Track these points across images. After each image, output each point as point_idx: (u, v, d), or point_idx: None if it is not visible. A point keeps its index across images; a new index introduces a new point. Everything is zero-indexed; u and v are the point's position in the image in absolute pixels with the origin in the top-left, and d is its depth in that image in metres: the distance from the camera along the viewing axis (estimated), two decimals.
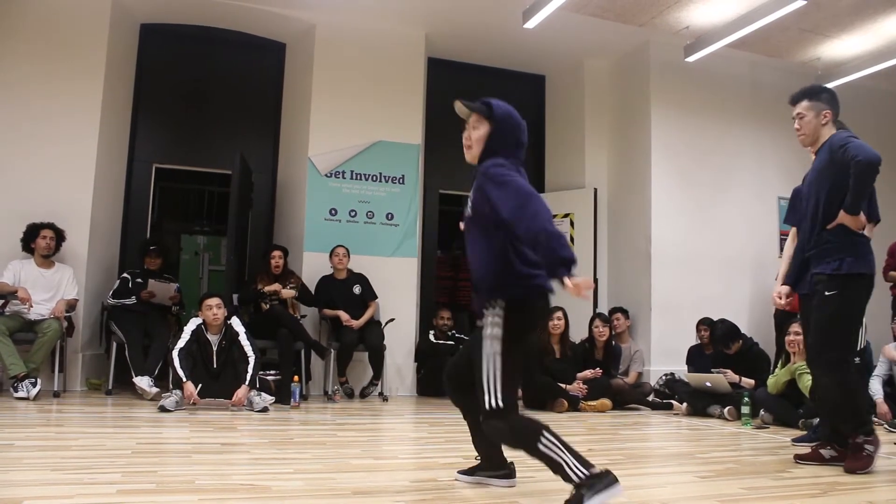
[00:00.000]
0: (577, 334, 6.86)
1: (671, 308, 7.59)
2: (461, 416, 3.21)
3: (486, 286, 2.86)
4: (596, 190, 8.32)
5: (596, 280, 8.12)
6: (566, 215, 8.39)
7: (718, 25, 7.01)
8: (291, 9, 7.38)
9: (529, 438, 2.64)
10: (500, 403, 2.68)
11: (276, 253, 6.73)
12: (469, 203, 3.00)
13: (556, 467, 2.59)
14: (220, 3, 7.25)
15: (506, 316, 2.76)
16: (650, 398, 6.81)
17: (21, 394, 5.56)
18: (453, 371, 3.22)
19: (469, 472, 3.23)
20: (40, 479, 3.02)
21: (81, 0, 6.78)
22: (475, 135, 2.98)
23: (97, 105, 6.72)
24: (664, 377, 7.00)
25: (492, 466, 3.19)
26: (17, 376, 5.60)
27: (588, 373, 6.47)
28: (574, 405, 6.23)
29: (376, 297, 6.97)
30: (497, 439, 2.89)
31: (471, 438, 3.22)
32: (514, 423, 2.73)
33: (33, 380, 5.65)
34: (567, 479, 2.56)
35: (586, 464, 2.56)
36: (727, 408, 5.86)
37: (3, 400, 5.57)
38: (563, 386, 6.30)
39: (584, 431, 5.14)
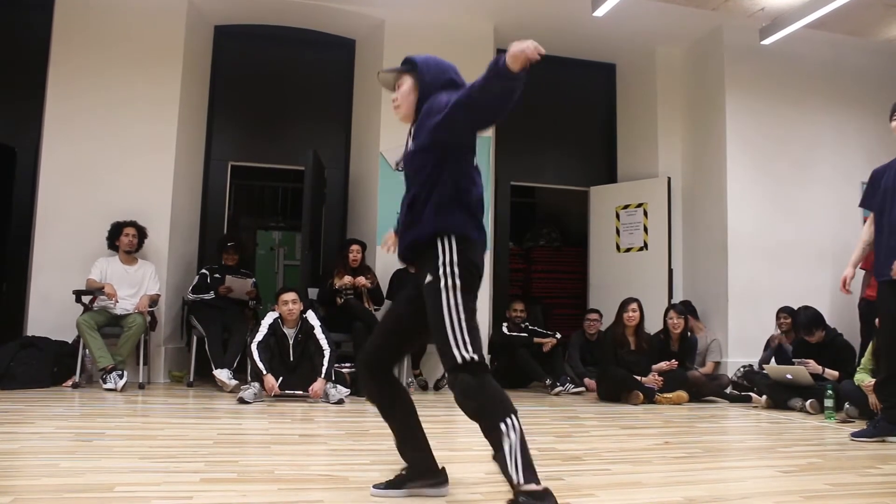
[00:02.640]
0: (652, 326, 6.76)
1: (749, 298, 7.41)
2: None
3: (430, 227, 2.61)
4: (670, 179, 8.16)
5: (671, 270, 7.98)
6: (639, 205, 8.26)
7: (795, 5, 6.80)
8: (361, 5, 7.46)
9: (498, 409, 2.43)
10: (475, 356, 2.45)
11: (355, 247, 6.81)
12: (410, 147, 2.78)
13: (501, 454, 2.37)
14: (291, 2, 7.37)
15: (460, 260, 2.56)
16: (728, 390, 6.66)
17: (109, 385, 5.81)
18: (373, 355, 2.85)
19: (393, 484, 2.80)
20: (129, 467, 3.15)
21: (158, 6, 7.00)
22: (401, 91, 2.82)
23: (175, 107, 6.94)
24: (742, 369, 6.84)
25: (422, 474, 2.81)
26: (106, 368, 5.85)
27: (663, 364, 6.36)
28: (649, 397, 6.14)
29: None
30: (464, 398, 2.46)
31: (396, 443, 2.85)
32: (488, 384, 2.46)
33: (120, 372, 5.89)
34: (505, 472, 2.37)
35: (531, 474, 2.35)
36: (809, 401, 5.69)
37: (93, 391, 5.82)
38: (638, 378, 6.21)
39: (660, 424, 5.07)
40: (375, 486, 2.79)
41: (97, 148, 6.73)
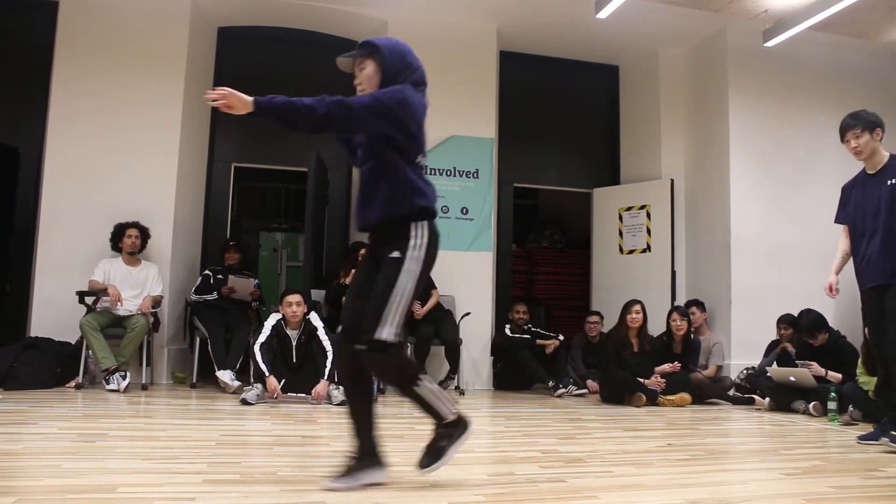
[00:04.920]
0: (655, 328, 6.75)
1: (752, 300, 7.39)
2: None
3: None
4: (673, 181, 8.16)
5: (674, 272, 7.98)
6: (642, 207, 8.26)
7: (799, 7, 6.79)
8: (363, 7, 7.46)
9: (409, 380, 2.82)
10: (394, 339, 2.74)
11: (363, 250, 6.81)
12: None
13: (428, 408, 2.84)
14: (294, 4, 7.38)
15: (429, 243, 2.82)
16: (731, 393, 6.66)
17: (112, 386, 5.81)
18: (353, 323, 2.88)
19: (346, 474, 2.88)
20: (132, 468, 3.15)
21: (162, 8, 7.02)
22: (365, 74, 2.94)
23: (178, 108, 6.95)
24: (745, 371, 6.83)
25: (370, 459, 2.93)
26: (109, 369, 5.85)
27: (666, 366, 6.35)
28: (652, 399, 6.13)
29: (436, 287, 6.99)
30: (376, 372, 2.94)
31: (355, 428, 2.96)
32: (399, 361, 2.87)
33: (123, 373, 5.89)
34: (439, 417, 2.86)
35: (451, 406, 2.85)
36: (812, 403, 5.67)
37: (96, 392, 5.83)
38: (641, 380, 6.21)
39: (663, 426, 5.06)
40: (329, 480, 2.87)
41: (101, 149, 6.74)
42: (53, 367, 6.01)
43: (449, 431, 2.88)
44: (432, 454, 2.88)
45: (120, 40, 6.92)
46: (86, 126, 6.75)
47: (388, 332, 2.72)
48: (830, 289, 4.58)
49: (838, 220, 4.82)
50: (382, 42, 2.94)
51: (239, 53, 7.85)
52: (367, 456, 2.92)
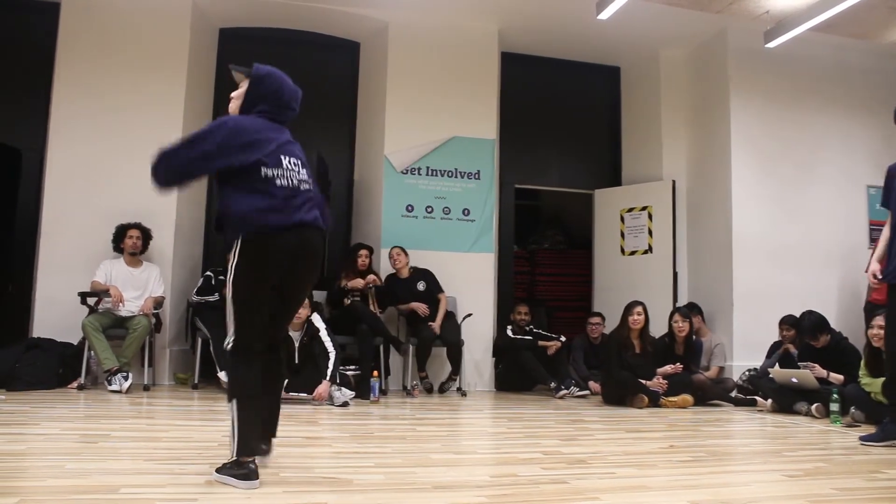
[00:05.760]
0: (657, 330, 6.75)
1: (754, 302, 7.39)
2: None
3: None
4: (674, 182, 8.16)
5: (676, 273, 7.98)
6: (644, 208, 8.26)
7: (800, 8, 6.78)
8: (365, 8, 7.47)
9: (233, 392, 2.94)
10: (232, 346, 2.95)
11: (363, 251, 6.86)
12: None
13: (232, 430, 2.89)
14: (295, 4, 7.39)
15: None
16: (733, 394, 6.65)
17: (114, 387, 5.81)
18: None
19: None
20: (135, 469, 3.16)
21: (163, 10, 7.02)
22: (237, 92, 3.16)
23: (180, 109, 6.94)
24: (747, 372, 6.82)
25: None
26: (111, 370, 5.86)
27: (668, 368, 6.35)
28: (654, 401, 6.12)
29: (443, 290, 7.00)
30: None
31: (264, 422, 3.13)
32: (237, 370, 3.01)
33: (125, 374, 5.89)
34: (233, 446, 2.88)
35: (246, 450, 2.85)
36: (815, 405, 5.67)
37: (98, 392, 5.82)
38: (643, 381, 6.20)
39: (664, 427, 5.06)
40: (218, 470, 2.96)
41: (102, 150, 6.74)
42: (56, 368, 6.00)
43: (230, 466, 2.88)
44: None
45: (121, 41, 6.92)
46: (87, 127, 6.75)
47: (228, 340, 2.96)
48: (874, 276, 4.42)
49: (883, 203, 4.61)
50: (263, 70, 3.20)
51: (240, 54, 7.82)
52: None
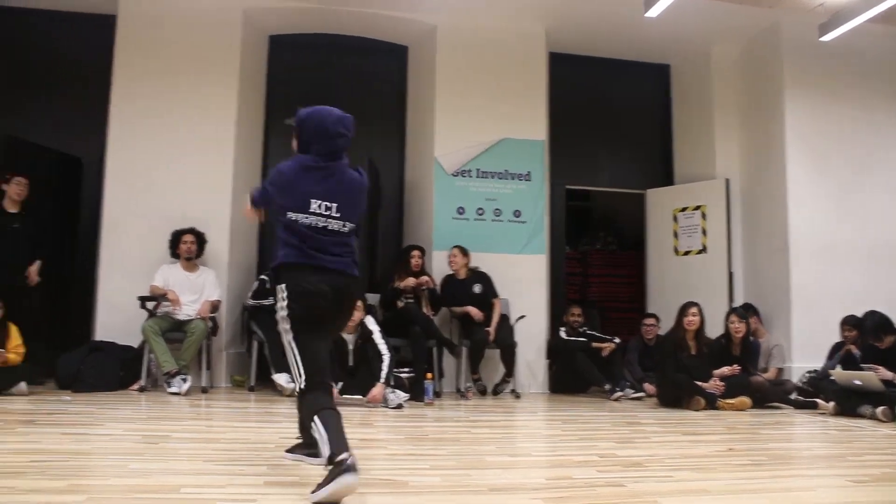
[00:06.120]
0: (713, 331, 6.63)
1: (813, 302, 7.21)
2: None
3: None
4: (728, 181, 8.02)
5: (731, 273, 7.84)
6: (697, 207, 8.14)
7: None
8: (413, 12, 7.51)
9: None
10: (303, 385, 3.16)
11: (416, 252, 6.89)
12: None
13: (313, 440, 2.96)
14: (344, 11, 7.45)
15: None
16: (793, 396, 6.50)
17: (173, 389, 5.93)
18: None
19: (291, 449, 3.42)
20: (195, 469, 3.23)
21: (215, 18, 7.15)
22: (294, 144, 3.46)
23: (232, 116, 7.07)
24: (808, 374, 6.67)
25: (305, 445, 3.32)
26: (170, 373, 5.98)
27: (725, 369, 6.23)
28: (711, 403, 6.01)
29: (498, 296, 6.98)
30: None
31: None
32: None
33: (184, 376, 6.01)
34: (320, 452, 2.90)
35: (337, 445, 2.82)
36: (880, 408, 5.49)
37: (158, 395, 5.95)
38: (699, 383, 6.11)
39: (723, 430, 4.97)
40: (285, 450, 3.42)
41: (158, 157, 6.89)
42: (117, 370, 6.16)
43: (327, 478, 2.77)
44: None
45: (174, 51, 7.07)
46: (143, 135, 6.91)
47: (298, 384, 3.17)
48: None
49: None
50: (302, 114, 3.43)
51: (290, 60, 7.95)
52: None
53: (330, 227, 3.16)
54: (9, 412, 4.83)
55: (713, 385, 6.13)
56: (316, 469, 3.15)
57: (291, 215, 3.15)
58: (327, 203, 3.17)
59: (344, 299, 3.20)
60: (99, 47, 7.16)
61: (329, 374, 3.27)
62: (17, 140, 6.88)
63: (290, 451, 3.39)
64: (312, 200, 3.16)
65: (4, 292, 5.76)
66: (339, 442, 2.83)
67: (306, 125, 3.34)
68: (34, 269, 6.24)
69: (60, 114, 7.43)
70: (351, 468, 2.68)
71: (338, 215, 3.18)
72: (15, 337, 5.72)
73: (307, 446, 3.22)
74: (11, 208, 6.27)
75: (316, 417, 2.94)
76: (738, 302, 7.59)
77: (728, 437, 4.68)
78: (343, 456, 2.71)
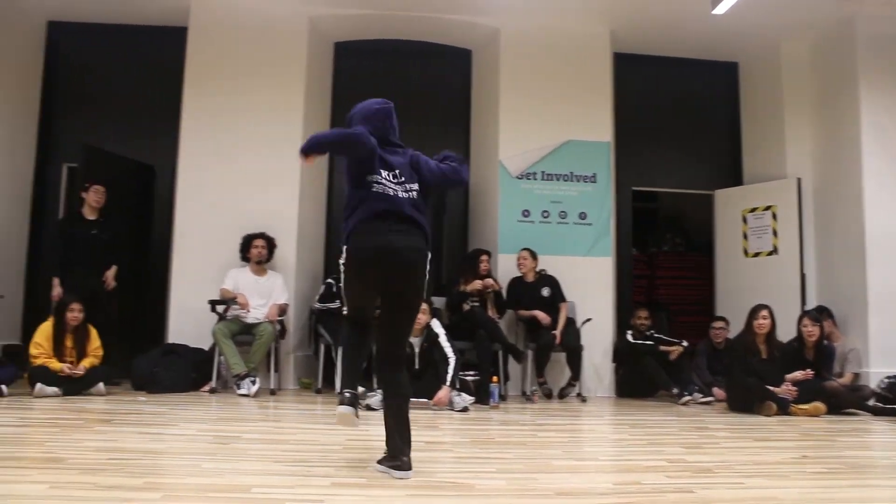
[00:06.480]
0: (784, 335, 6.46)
1: (892, 304, 6.95)
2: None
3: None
4: (799, 180, 7.80)
5: (803, 275, 7.63)
6: (767, 208, 7.94)
7: None
8: (476, 15, 7.52)
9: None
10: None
11: (484, 257, 6.91)
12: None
13: None
14: (407, 16, 7.52)
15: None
16: (871, 403, 6.28)
17: (243, 391, 6.07)
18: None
19: (380, 461, 3.34)
20: (264, 470, 3.30)
21: (281, 26, 7.30)
22: None
23: (299, 122, 7.19)
24: (887, 380, 6.43)
25: (389, 457, 3.30)
26: (239, 375, 6.12)
27: (798, 374, 6.06)
28: (783, 409, 5.86)
29: (566, 300, 6.93)
30: None
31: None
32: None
33: (253, 378, 6.15)
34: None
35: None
36: None
37: (228, 396, 6.10)
38: (770, 388, 5.96)
39: (796, 437, 4.83)
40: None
41: (227, 163, 7.06)
42: (190, 372, 6.35)
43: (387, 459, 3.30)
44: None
45: (243, 60, 7.25)
46: (213, 142, 7.10)
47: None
48: None
49: None
50: (348, 115, 3.57)
51: (355, 66, 8.05)
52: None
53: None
54: (88, 411, 5.03)
55: (785, 390, 5.97)
56: (382, 472, 3.20)
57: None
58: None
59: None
60: (171, 58, 7.40)
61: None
62: (95, 150, 7.16)
63: (379, 462, 3.36)
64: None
65: (84, 297, 6.00)
66: (347, 381, 3.33)
67: (355, 117, 3.48)
68: (111, 274, 6.50)
69: (135, 123, 7.72)
70: (344, 401, 3.21)
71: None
72: (94, 339, 5.97)
73: (391, 458, 3.25)
74: (90, 215, 6.53)
75: (341, 351, 3.34)
76: (811, 305, 7.37)
77: (802, 444, 4.56)
78: (343, 394, 3.24)
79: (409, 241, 3.25)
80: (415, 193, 3.35)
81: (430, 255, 3.33)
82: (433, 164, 3.47)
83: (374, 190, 3.28)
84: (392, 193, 3.28)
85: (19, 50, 7.47)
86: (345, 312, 3.47)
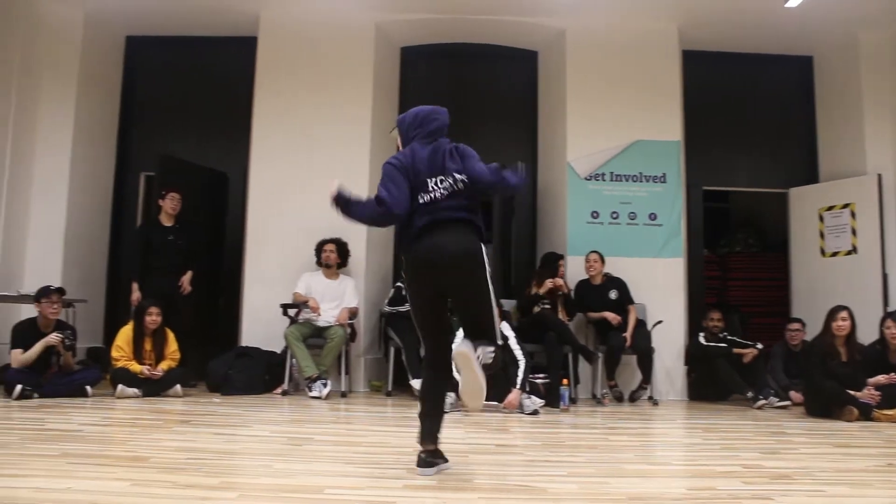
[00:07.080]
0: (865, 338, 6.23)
1: None
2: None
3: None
4: (880, 176, 7.52)
5: (885, 275, 7.35)
6: (846, 205, 7.68)
7: None
8: (541, 16, 7.49)
9: None
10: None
11: (562, 261, 6.94)
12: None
13: None
14: (472, 19, 7.53)
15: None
16: None
17: (314, 393, 6.17)
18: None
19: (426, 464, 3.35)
20: (337, 471, 3.34)
21: (348, 33, 7.41)
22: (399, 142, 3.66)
23: (367, 127, 7.29)
24: None
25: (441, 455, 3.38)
26: (311, 377, 6.22)
27: (881, 378, 5.83)
28: (865, 414, 5.65)
29: (633, 302, 6.84)
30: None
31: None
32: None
33: (324, 381, 6.24)
34: None
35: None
36: None
37: (300, 398, 6.20)
38: (851, 392, 5.75)
39: (880, 443, 4.65)
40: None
41: (297, 169, 7.19)
42: (262, 375, 6.49)
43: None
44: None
45: (311, 67, 7.38)
46: (283, 148, 7.25)
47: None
48: None
49: None
50: (400, 118, 3.65)
51: (421, 70, 8.11)
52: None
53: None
54: (167, 412, 5.19)
55: (868, 394, 5.75)
56: (452, 475, 3.21)
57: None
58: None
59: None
60: (242, 68, 7.59)
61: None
62: (171, 158, 7.39)
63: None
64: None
65: (162, 301, 6.20)
66: (427, 434, 3.30)
67: (405, 122, 3.57)
68: (187, 279, 6.70)
69: (208, 132, 7.97)
70: (420, 462, 3.24)
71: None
72: (172, 342, 6.16)
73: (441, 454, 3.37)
74: (167, 222, 6.75)
75: (419, 402, 3.40)
76: (894, 306, 7.10)
77: (887, 452, 4.38)
78: (420, 455, 3.27)
79: (454, 238, 3.26)
80: (445, 191, 3.35)
81: (482, 247, 3.28)
82: (479, 165, 3.39)
83: (421, 202, 3.38)
84: (430, 199, 3.35)
85: (102, 65, 7.77)
86: (422, 354, 3.52)
